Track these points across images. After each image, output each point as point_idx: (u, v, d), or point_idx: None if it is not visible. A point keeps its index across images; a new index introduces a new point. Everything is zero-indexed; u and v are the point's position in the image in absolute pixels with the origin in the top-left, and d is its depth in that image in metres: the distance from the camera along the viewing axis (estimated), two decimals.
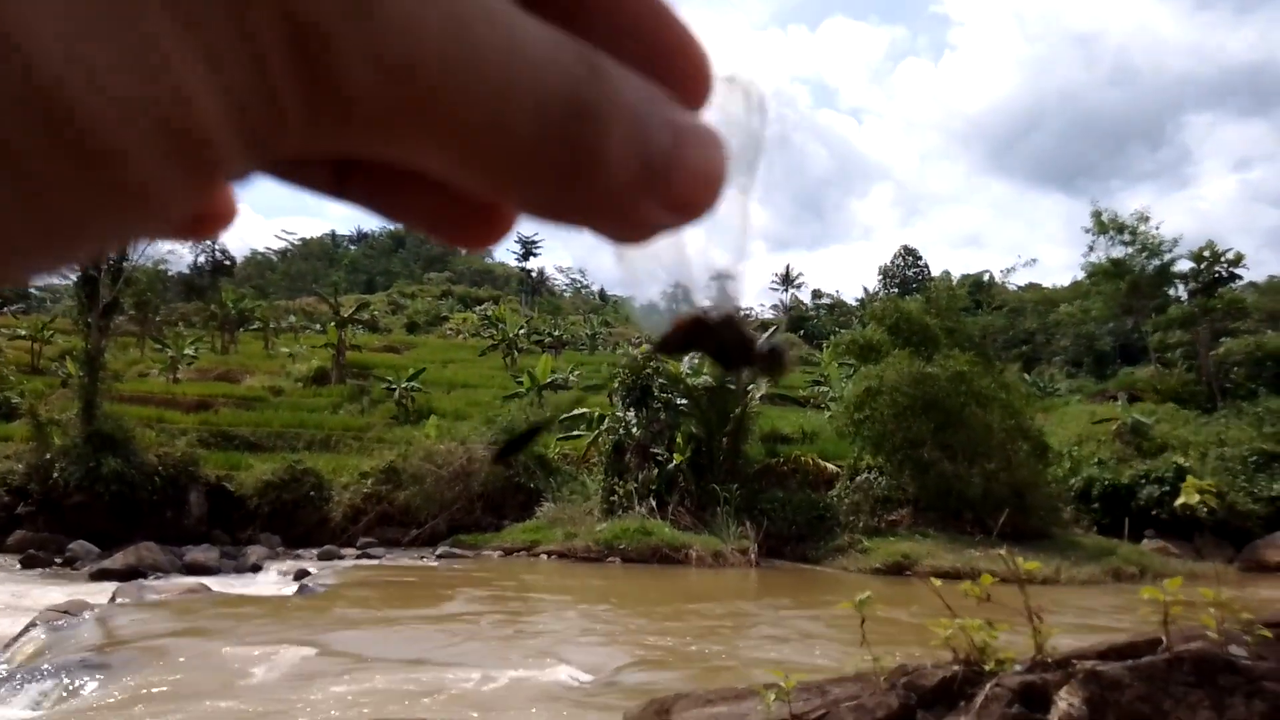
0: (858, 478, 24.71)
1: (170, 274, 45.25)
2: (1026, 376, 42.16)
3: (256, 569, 19.61)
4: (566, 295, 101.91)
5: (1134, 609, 2.49)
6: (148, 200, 0.16)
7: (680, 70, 0.23)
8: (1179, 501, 2.65)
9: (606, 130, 0.20)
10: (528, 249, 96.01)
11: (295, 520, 25.14)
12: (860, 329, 28.18)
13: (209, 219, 0.24)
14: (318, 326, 55.36)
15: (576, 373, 37.24)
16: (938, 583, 2.52)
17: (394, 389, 33.66)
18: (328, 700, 8.79)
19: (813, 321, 68.34)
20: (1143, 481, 26.31)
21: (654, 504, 24.00)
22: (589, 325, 63.68)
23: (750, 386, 25.83)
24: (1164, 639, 2.18)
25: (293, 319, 57.46)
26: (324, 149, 0.19)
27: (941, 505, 23.04)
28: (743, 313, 0.27)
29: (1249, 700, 1.97)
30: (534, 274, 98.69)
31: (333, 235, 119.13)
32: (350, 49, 0.17)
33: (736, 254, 0.26)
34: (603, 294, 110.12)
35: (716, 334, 0.28)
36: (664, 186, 0.21)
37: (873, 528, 23.38)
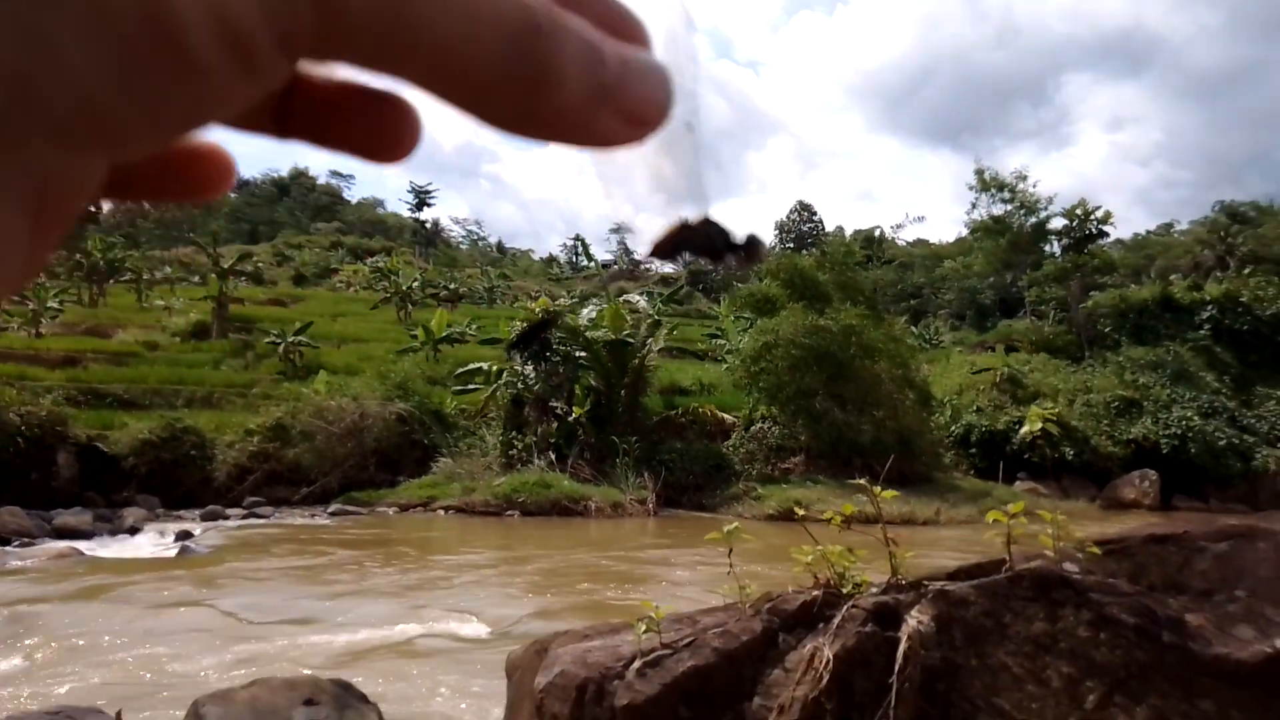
0: (753, 427, 25.19)
1: None
2: (914, 329, 43.82)
3: (134, 531, 18.56)
4: (463, 247, 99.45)
5: (997, 544, 2.48)
6: (211, 82, 0.21)
7: (620, 25, 0.26)
8: (1024, 430, 2.61)
9: (561, 48, 0.23)
10: (421, 199, 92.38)
11: (175, 481, 23.90)
12: (757, 283, 28.50)
13: (211, 176, 0.29)
14: (196, 278, 52.52)
15: (474, 326, 36.51)
16: (801, 512, 2.49)
17: (280, 343, 32.25)
18: (213, 664, 8.36)
19: (711, 275, 69.00)
20: (1016, 427, 27.72)
21: (553, 457, 23.88)
22: (486, 278, 62.47)
23: (649, 339, 25.87)
24: (1007, 559, 2.19)
25: (168, 270, 54.22)
26: (330, 60, 0.23)
27: (832, 453, 23.75)
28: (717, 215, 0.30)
29: (1078, 610, 2.03)
30: (428, 225, 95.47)
31: None
32: None
33: (695, 165, 0.29)
34: (501, 246, 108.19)
35: (700, 234, 0.31)
36: (617, 102, 0.24)
37: (767, 475, 23.93)
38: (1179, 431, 28.03)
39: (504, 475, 23.24)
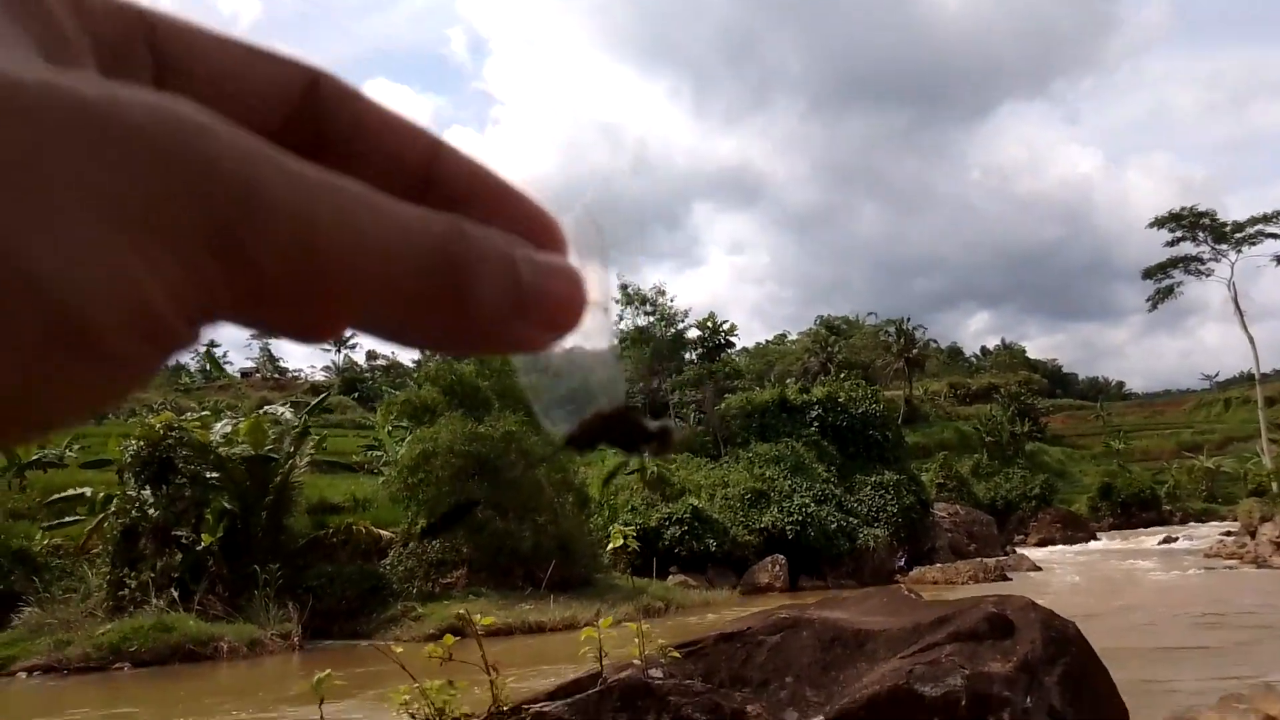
0: (411, 543, 24.23)
1: None
2: None
3: None
4: None
5: (653, 640, 2.59)
6: (123, 365, 0.21)
7: (534, 227, 0.28)
8: (610, 546, 2.86)
9: (476, 275, 0.24)
10: None
11: None
12: (415, 389, 27.98)
13: None
14: None
15: (76, 446, 31.43)
16: (398, 649, 2.40)
17: None
18: None
19: (368, 383, 66.51)
20: (666, 523, 29.66)
21: (175, 595, 20.89)
22: None
23: (294, 453, 24.08)
24: (600, 672, 2.32)
25: None
26: (249, 317, 0.23)
27: (494, 563, 23.54)
28: (633, 403, 0.32)
29: (659, 715, 2.18)
30: None
31: None
32: (257, 244, 0.21)
33: (611, 352, 0.31)
34: None
35: (615, 424, 0.32)
36: (533, 313, 0.26)
37: (428, 593, 23.01)
38: (800, 518, 31.76)
39: (111, 621, 19.83)
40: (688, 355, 48.14)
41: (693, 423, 41.99)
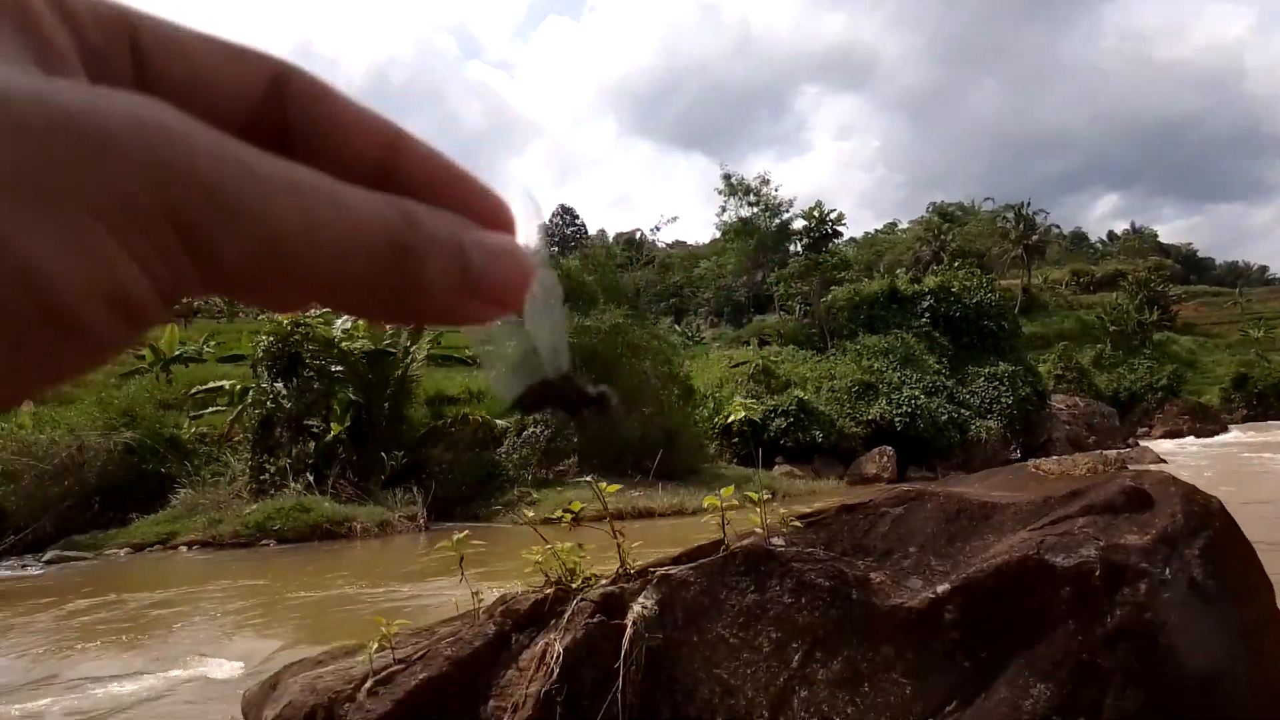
0: (524, 432, 25.17)
1: None
2: (676, 327, 45.81)
3: None
4: None
5: (774, 512, 2.66)
6: (102, 340, 0.24)
7: (486, 210, 0.31)
8: (731, 417, 2.85)
9: (426, 258, 0.27)
10: None
11: None
12: None
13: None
14: None
15: (212, 343, 33.63)
16: (530, 513, 2.52)
17: None
18: None
19: None
20: (772, 415, 29.76)
21: (311, 479, 22.49)
22: None
23: (411, 348, 25.08)
24: (723, 540, 2.38)
25: None
26: (216, 295, 0.26)
27: (603, 452, 24.26)
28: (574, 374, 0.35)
29: (782, 580, 2.25)
30: None
31: None
32: (222, 237, 0.24)
33: (557, 327, 0.34)
34: None
35: (558, 390, 0.36)
36: (480, 289, 0.28)
37: (541, 479, 24.00)
38: (909, 410, 31.35)
39: (255, 503, 21.57)
40: (792, 247, 47.18)
41: (799, 315, 41.50)
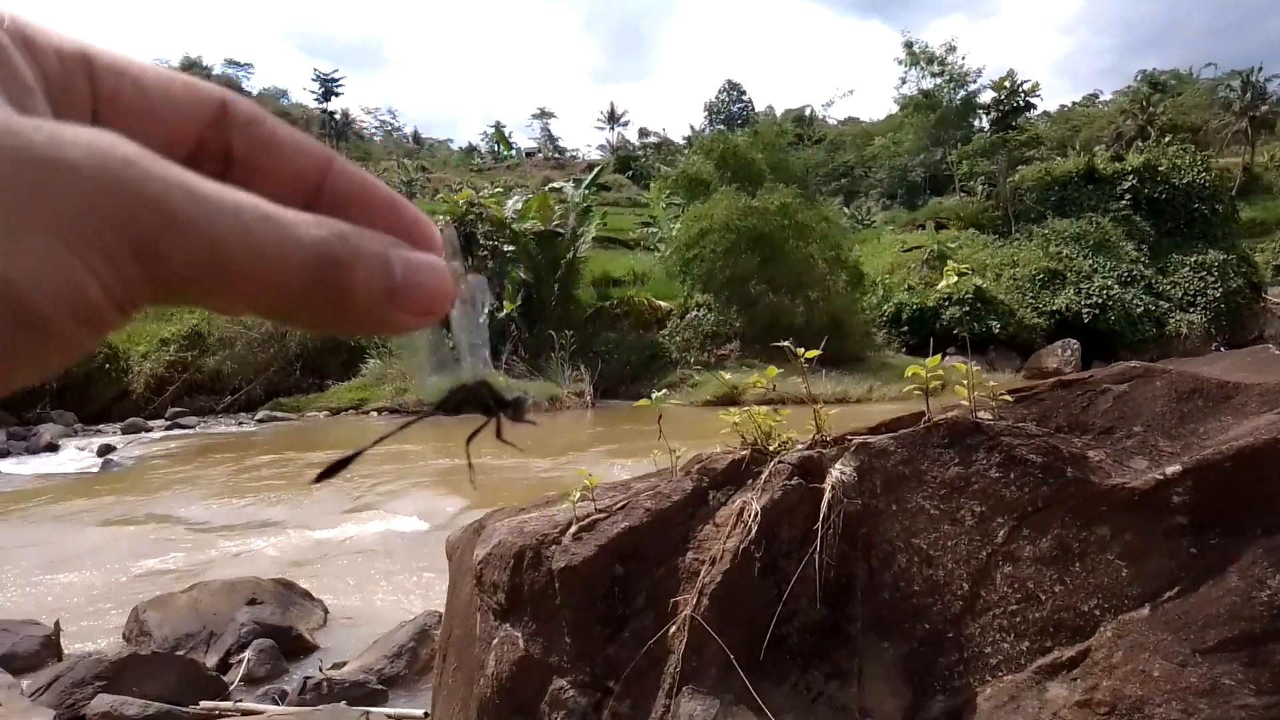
0: (688, 315, 25.35)
1: None
2: (845, 209, 44.12)
3: (53, 448, 18.04)
4: (376, 139, 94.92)
5: (983, 385, 2.57)
6: (67, 344, 0.27)
7: (411, 230, 0.34)
8: (941, 284, 2.69)
9: (355, 271, 0.30)
10: (328, 89, 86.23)
11: (90, 395, 23.17)
12: (688, 163, 28.14)
13: None
14: None
15: None
16: (730, 376, 2.53)
17: None
18: (150, 572, 8.31)
19: (640, 161, 67.76)
20: (946, 303, 28.44)
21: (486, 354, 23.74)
22: (403, 171, 60.18)
23: (580, 229, 25.52)
24: (926, 412, 2.29)
25: None
26: (168, 305, 0.29)
27: (767, 337, 24.12)
28: (492, 379, 0.37)
29: (989, 453, 2.16)
30: (337, 116, 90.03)
31: None
32: (170, 252, 0.27)
33: (478, 336, 0.36)
34: (417, 136, 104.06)
35: (476, 393, 0.38)
36: (404, 302, 0.31)
37: (703, 362, 24.25)
38: (1100, 301, 29.10)
39: (436, 375, 23.08)
40: (978, 122, 43.86)
41: (981, 197, 38.91)
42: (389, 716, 4.74)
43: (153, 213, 0.26)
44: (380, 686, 5.24)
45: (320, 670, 5.36)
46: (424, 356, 0.36)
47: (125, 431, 20.28)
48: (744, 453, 2.44)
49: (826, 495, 2.23)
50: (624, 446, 15.04)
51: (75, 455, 16.92)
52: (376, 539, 9.41)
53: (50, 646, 5.85)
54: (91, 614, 7.04)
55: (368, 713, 4.57)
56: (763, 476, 2.32)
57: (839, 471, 2.30)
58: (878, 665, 2.26)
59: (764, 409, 2.53)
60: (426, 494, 11.69)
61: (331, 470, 0.41)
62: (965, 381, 2.41)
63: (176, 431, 20.85)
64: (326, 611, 6.81)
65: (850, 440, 2.43)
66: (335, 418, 22.72)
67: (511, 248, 24.71)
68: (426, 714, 4.75)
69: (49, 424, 20.77)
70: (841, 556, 2.22)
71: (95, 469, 15.17)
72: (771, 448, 2.45)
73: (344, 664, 5.55)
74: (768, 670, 2.24)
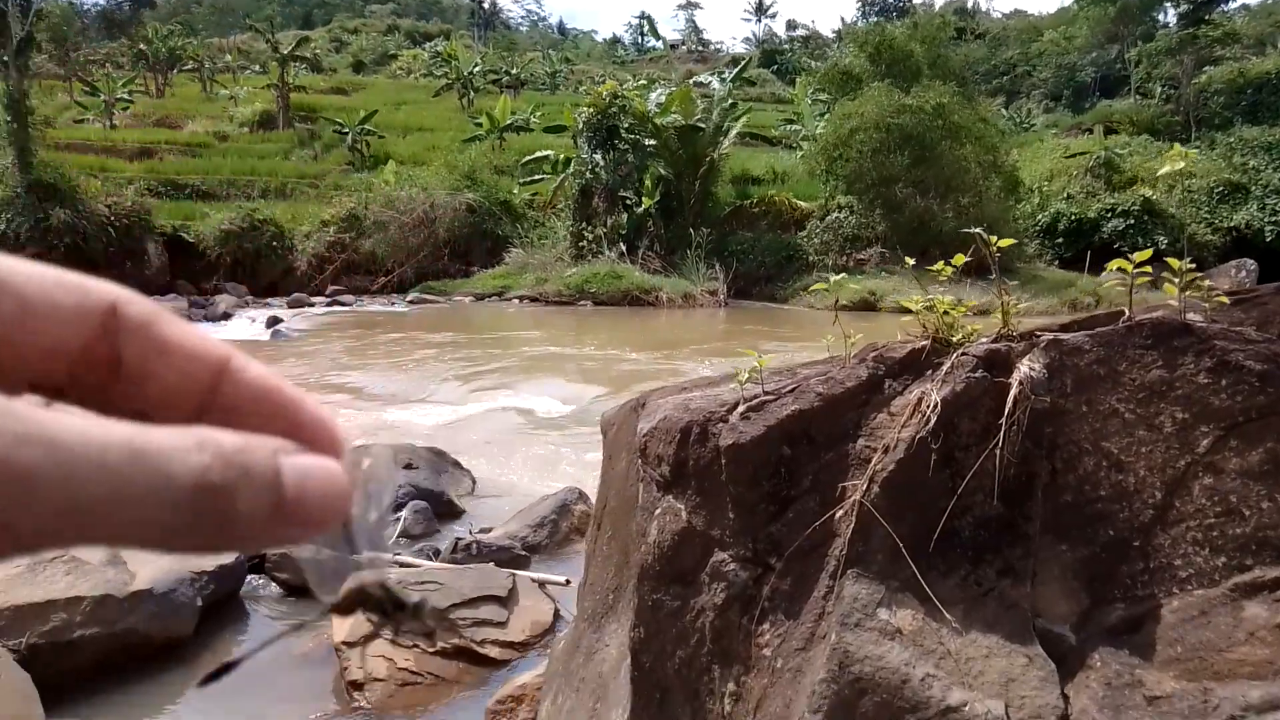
0: (828, 217, 24.57)
1: (86, 7, 41.35)
2: (1004, 111, 41.10)
3: (227, 317, 19.53)
4: (522, 29, 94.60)
5: (1198, 286, 2.37)
6: None
7: (308, 431, 0.32)
8: (1162, 171, 2.42)
9: (234, 496, 0.28)
10: None
11: (259, 271, 24.81)
12: (840, 57, 26.75)
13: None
14: (256, 67, 51.74)
15: (538, 114, 35.55)
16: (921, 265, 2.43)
17: (346, 133, 32.05)
18: None
19: (786, 55, 64.81)
20: (1109, 215, 26.43)
21: (623, 249, 23.85)
22: (549, 62, 59.86)
23: (722, 125, 24.88)
24: (1126, 310, 2.11)
25: (228, 58, 53.36)
26: (21, 557, 0.27)
27: (911, 243, 23.14)
28: (390, 580, 0.39)
29: (1198, 357, 1.98)
30: (485, 5, 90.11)
31: None
32: (19, 517, 0.25)
33: (375, 537, 0.36)
34: (562, 27, 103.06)
35: (374, 595, 0.38)
36: (293, 517, 0.29)
37: (841, 266, 23.57)
38: None
39: (575, 266, 23.42)
40: (1162, 16, 39.56)
41: (1159, 100, 35.42)
42: (533, 580, 4.99)
43: (6, 482, 0.25)
44: (523, 553, 5.51)
45: (470, 533, 5.69)
46: (316, 554, 0.36)
47: (290, 306, 21.71)
48: (924, 343, 2.36)
49: (1013, 390, 2.14)
50: (763, 347, 14.95)
51: (247, 325, 18.27)
52: (521, 418, 9.81)
53: None
54: None
55: (514, 574, 4.83)
56: (944, 368, 2.24)
57: (1027, 367, 2.19)
58: (1053, 567, 2.20)
59: (948, 297, 2.42)
60: (565, 381, 12.04)
61: (213, 676, 0.40)
62: (1175, 280, 2.23)
63: (335, 308, 22.17)
64: (474, 481, 7.18)
65: (1040, 336, 2.31)
66: (479, 303, 23.55)
67: (653, 142, 24.40)
68: (568, 580, 5.00)
69: (224, 295, 22.48)
70: (1024, 454, 2.14)
71: (264, 338, 16.38)
72: (955, 339, 2.36)
73: (489, 530, 5.87)
74: (936, 562, 2.21)
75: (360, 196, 26.05)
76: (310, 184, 29.03)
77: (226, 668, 0.41)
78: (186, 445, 0.28)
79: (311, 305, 22.27)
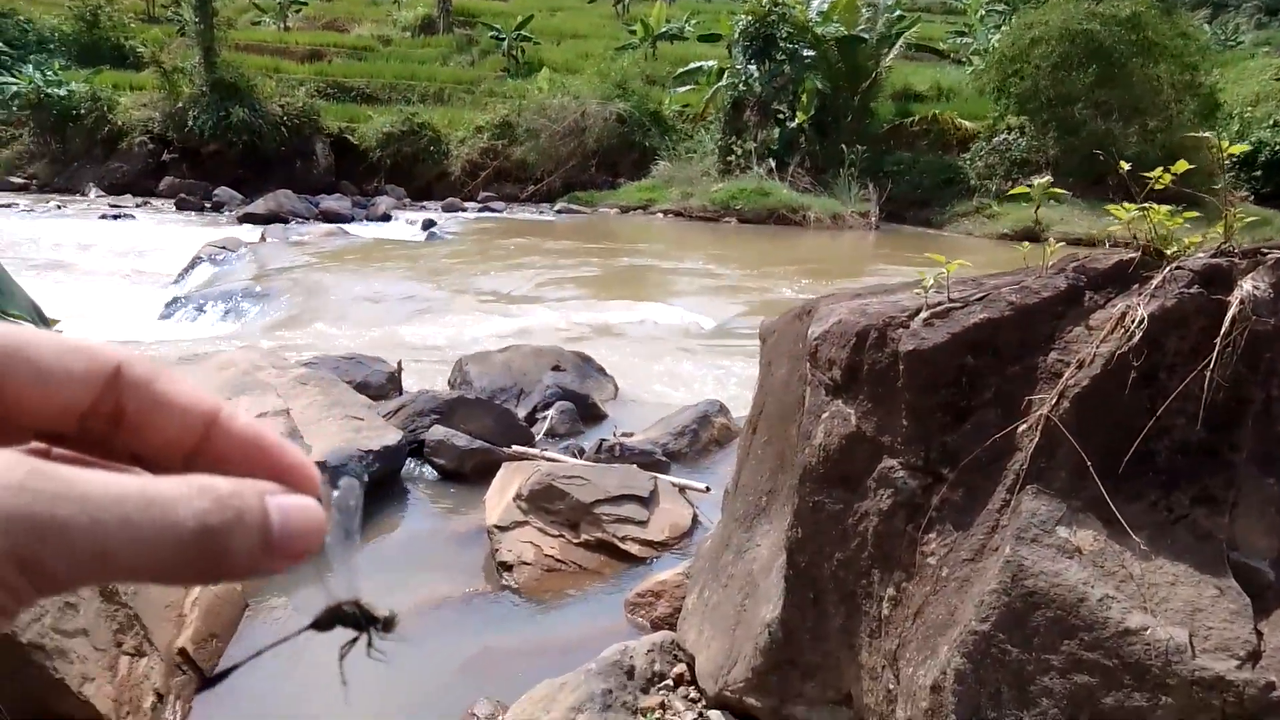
0: (995, 139, 23.03)
1: None
2: (1208, 26, 36.92)
3: (386, 218, 20.47)
4: None
5: None
6: None
7: (289, 474, 0.36)
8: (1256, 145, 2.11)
9: (229, 536, 0.32)
10: None
11: (415, 174, 25.70)
12: None
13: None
14: None
15: (693, 22, 34.66)
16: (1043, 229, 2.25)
17: (502, 39, 32.30)
18: (470, 331, 9.39)
19: None
20: None
21: (772, 165, 23.25)
22: None
23: (888, 37, 23.54)
24: None
25: None
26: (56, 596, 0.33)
27: (1085, 169, 21.43)
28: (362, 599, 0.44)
29: None
30: None
31: None
32: (56, 564, 0.29)
33: (348, 560, 0.42)
34: None
35: (348, 613, 0.43)
36: (281, 550, 0.33)
37: (1003, 192, 22.19)
38: None
39: (721, 181, 23.05)
40: None
41: None
42: (674, 484, 5.11)
43: (42, 533, 0.28)
44: (664, 459, 5.63)
45: (614, 435, 5.86)
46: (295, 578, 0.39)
47: (445, 210, 22.50)
48: (1133, 255, 2.21)
49: (1232, 309, 1.98)
50: (915, 274, 14.43)
51: (404, 227, 19.10)
52: (662, 330, 9.91)
53: (393, 381, 6.72)
54: (425, 359, 8.11)
55: (655, 478, 4.96)
56: (1154, 282, 2.10)
57: (1251, 285, 2.02)
58: (1257, 499, 2.07)
59: (1164, 208, 2.25)
60: (707, 297, 12.04)
61: (225, 674, 0.46)
62: None
63: (486, 214, 22.81)
64: (616, 388, 7.34)
65: (1267, 254, 2.12)
66: (624, 215, 23.66)
67: (811, 53, 23.40)
68: (708, 488, 5.10)
69: (384, 197, 23.51)
70: (1236, 378, 2.00)
71: (420, 239, 17.10)
72: (1169, 252, 2.20)
73: (631, 434, 6.02)
74: (1123, 484, 2.12)
75: (514, 104, 26.36)
76: (466, 89, 29.58)
77: (237, 666, 0.47)
78: (189, 493, 0.32)
79: (464, 210, 22.99)
